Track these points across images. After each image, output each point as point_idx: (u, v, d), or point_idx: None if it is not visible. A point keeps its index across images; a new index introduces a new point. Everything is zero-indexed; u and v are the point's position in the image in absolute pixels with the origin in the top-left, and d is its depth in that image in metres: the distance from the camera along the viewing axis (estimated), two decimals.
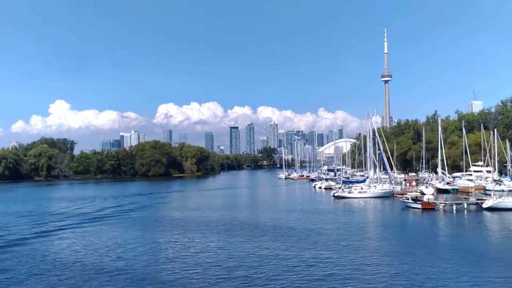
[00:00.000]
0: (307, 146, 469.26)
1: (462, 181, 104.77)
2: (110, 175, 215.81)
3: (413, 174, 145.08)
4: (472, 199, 68.82)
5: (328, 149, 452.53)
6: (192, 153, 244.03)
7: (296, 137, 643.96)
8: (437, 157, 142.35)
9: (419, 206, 65.19)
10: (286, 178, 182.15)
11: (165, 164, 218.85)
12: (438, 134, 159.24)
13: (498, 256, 35.13)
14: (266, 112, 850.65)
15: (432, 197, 79.85)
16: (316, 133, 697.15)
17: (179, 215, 66.27)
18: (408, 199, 69.15)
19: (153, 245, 42.48)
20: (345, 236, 44.34)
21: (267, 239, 43.34)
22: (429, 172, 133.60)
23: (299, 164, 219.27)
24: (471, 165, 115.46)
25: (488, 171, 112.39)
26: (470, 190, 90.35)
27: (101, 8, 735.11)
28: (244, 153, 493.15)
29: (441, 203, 65.68)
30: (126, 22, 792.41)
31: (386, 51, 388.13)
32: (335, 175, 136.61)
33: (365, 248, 38.99)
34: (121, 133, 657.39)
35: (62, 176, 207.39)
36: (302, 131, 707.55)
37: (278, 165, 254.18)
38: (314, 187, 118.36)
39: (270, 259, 34.52)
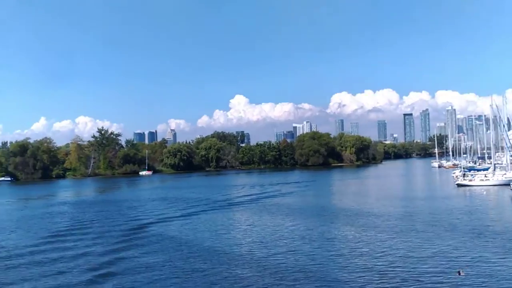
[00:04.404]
0: (490, 132, 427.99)
1: None
2: (272, 165, 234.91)
3: None
4: None
5: None
6: (351, 143, 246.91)
7: (478, 122, 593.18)
8: None
9: None
10: (439, 167, 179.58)
11: (323, 154, 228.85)
12: None
13: None
14: (446, 97, 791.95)
15: None
16: (505, 117, 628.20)
17: (309, 201, 74.78)
18: None
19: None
20: (403, 222, 47.90)
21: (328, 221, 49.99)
22: None
23: (465, 152, 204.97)
24: None
25: None
26: None
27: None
28: (415, 141, 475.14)
29: None
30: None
31: None
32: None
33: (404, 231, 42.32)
34: (294, 124, 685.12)
35: (229, 166, 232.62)
36: (485, 115, 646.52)
37: (450, 153, 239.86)
38: (452, 176, 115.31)
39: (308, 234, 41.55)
